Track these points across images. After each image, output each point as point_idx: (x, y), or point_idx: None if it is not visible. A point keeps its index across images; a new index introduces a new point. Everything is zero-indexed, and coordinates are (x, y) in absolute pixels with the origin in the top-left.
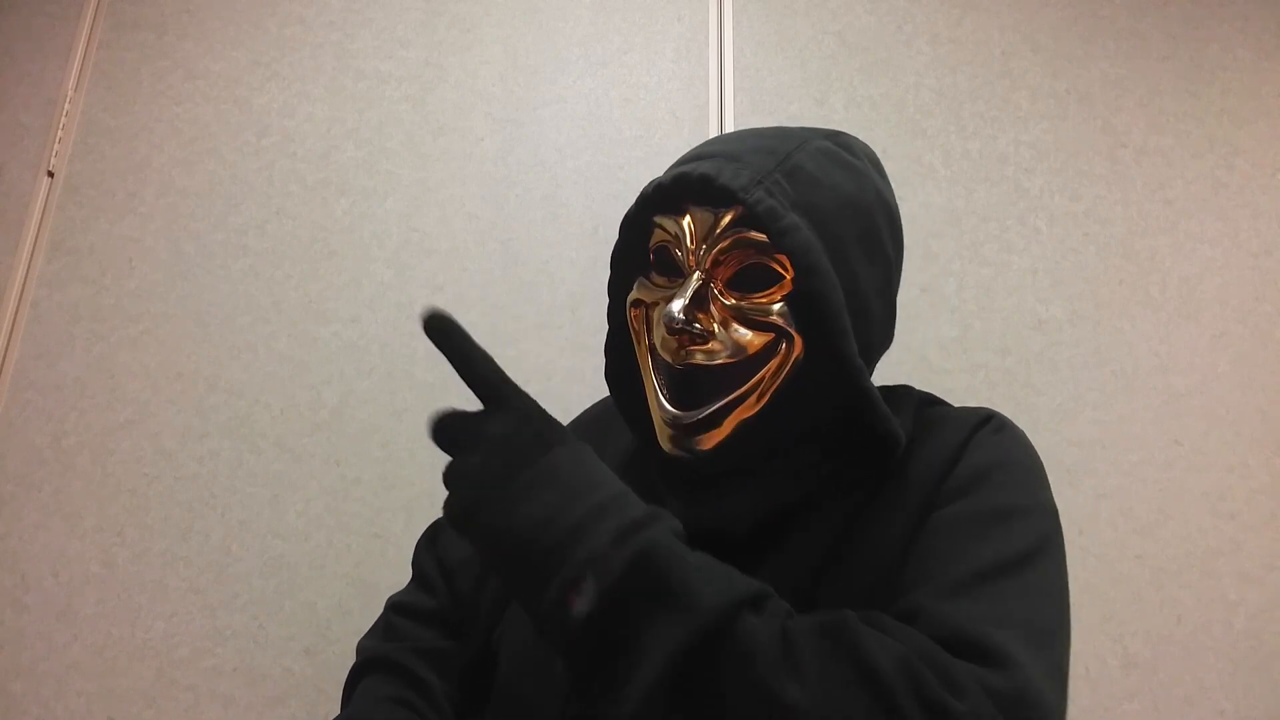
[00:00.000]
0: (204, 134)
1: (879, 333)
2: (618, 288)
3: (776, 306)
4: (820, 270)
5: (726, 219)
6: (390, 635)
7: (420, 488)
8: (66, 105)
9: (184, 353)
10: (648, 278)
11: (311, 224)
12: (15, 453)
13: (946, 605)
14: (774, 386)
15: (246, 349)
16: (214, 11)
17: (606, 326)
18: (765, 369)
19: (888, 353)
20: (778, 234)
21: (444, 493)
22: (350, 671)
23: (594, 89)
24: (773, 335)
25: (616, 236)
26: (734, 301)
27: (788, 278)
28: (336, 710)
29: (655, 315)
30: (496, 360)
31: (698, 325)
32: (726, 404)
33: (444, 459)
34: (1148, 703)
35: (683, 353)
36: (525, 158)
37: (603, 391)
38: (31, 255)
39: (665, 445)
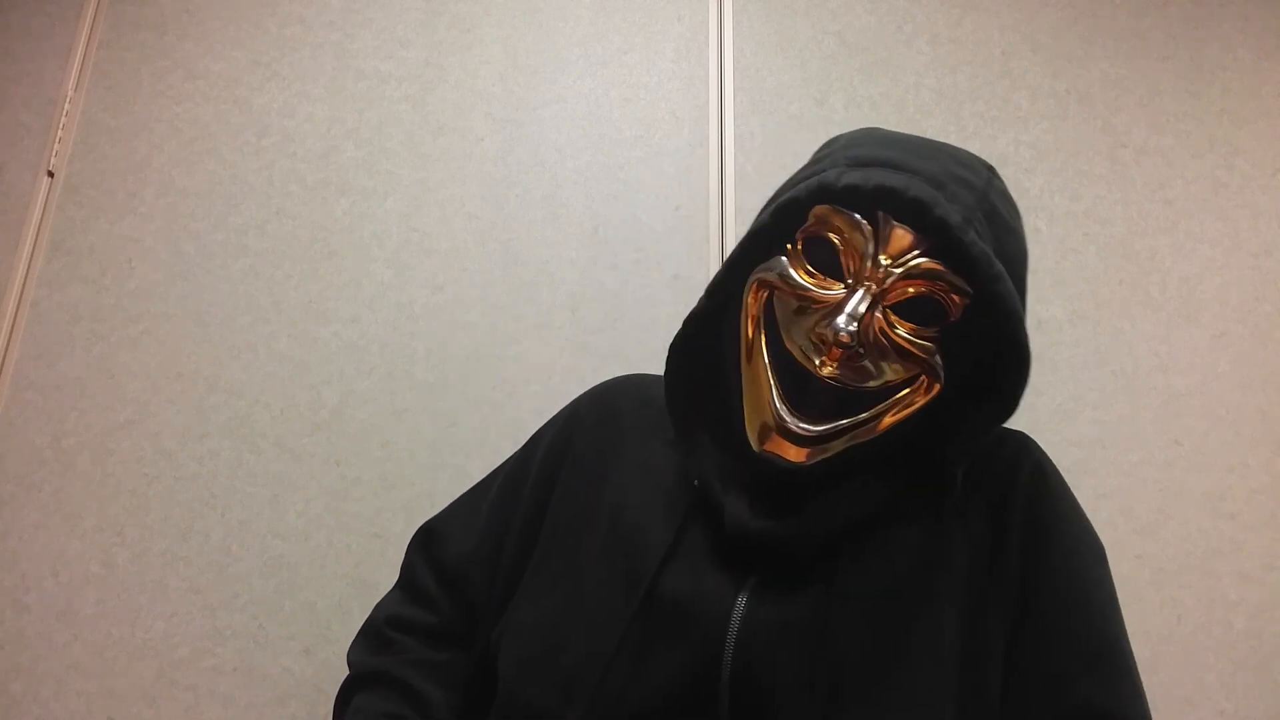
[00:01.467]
0: (204, 134)
1: None
2: (744, 261)
3: (930, 344)
4: (1020, 319)
5: (923, 245)
6: (384, 649)
7: (420, 488)
8: (66, 105)
9: (184, 353)
10: (791, 263)
11: (311, 224)
12: (15, 453)
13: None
14: (899, 417)
15: (246, 349)
16: (214, 11)
17: (606, 327)
18: (897, 399)
19: None
20: (989, 280)
21: (443, 492)
22: (341, 686)
23: (594, 89)
24: (918, 370)
25: (635, 228)
26: (898, 329)
27: (952, 317)
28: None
29: (787, 308)
30: (497, 360)
31: (861, 348)
32: (849, 425)
33: (443, 457)
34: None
35: (831, 366)
36: (525, 158)
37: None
38: (31, 255)
39: (759, 444)
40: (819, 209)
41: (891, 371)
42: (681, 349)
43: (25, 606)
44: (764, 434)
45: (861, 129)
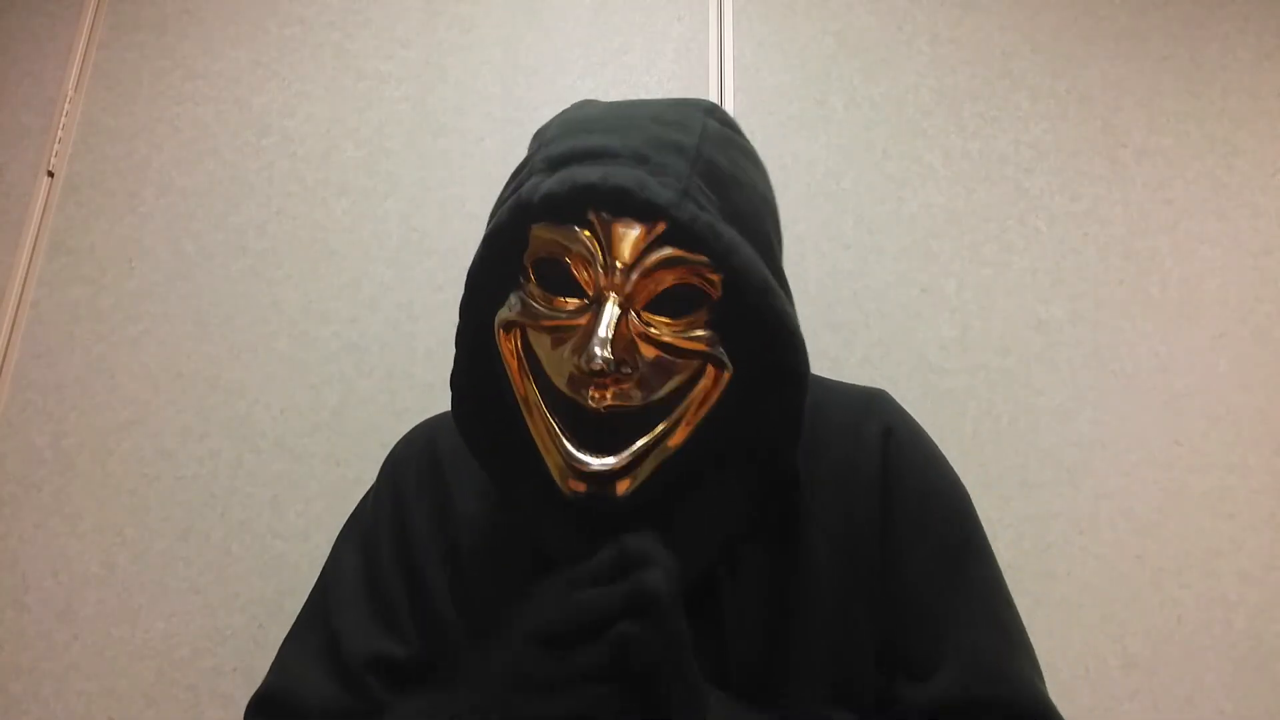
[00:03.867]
0: (204, 134)
1: None
2: (476, 306)
3: (702, 332)
4: (770, 288)
5: (652, 235)
6: (362, 696)
7: None
8: (66, 105)
9: (184, 353)
10: (527, 295)
11: (311, 224)
12: (15, 453)
13: (994, 687)
14: (699, 416)
15: (246, 349)
16: (214, 11)
17: None
18: (690, 398)
19: (887, 352)
20: (722, 254)
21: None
22: None
23: (594, 89)
24: (699, 361)
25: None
26: (660, 329)
27: (714, 296)
28: None
29: (543, 344)
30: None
31: (626, 368)
32: (648, 445)
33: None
34: (1148, 703)
35: (604, 395)
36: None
37: None
38: (31, 255)
39: (568, 489)
40: (535, 229)
41: (672, 375)
42: (468, 412)
43: (25, 606)
44: (565, 477)
45: (568, 109)
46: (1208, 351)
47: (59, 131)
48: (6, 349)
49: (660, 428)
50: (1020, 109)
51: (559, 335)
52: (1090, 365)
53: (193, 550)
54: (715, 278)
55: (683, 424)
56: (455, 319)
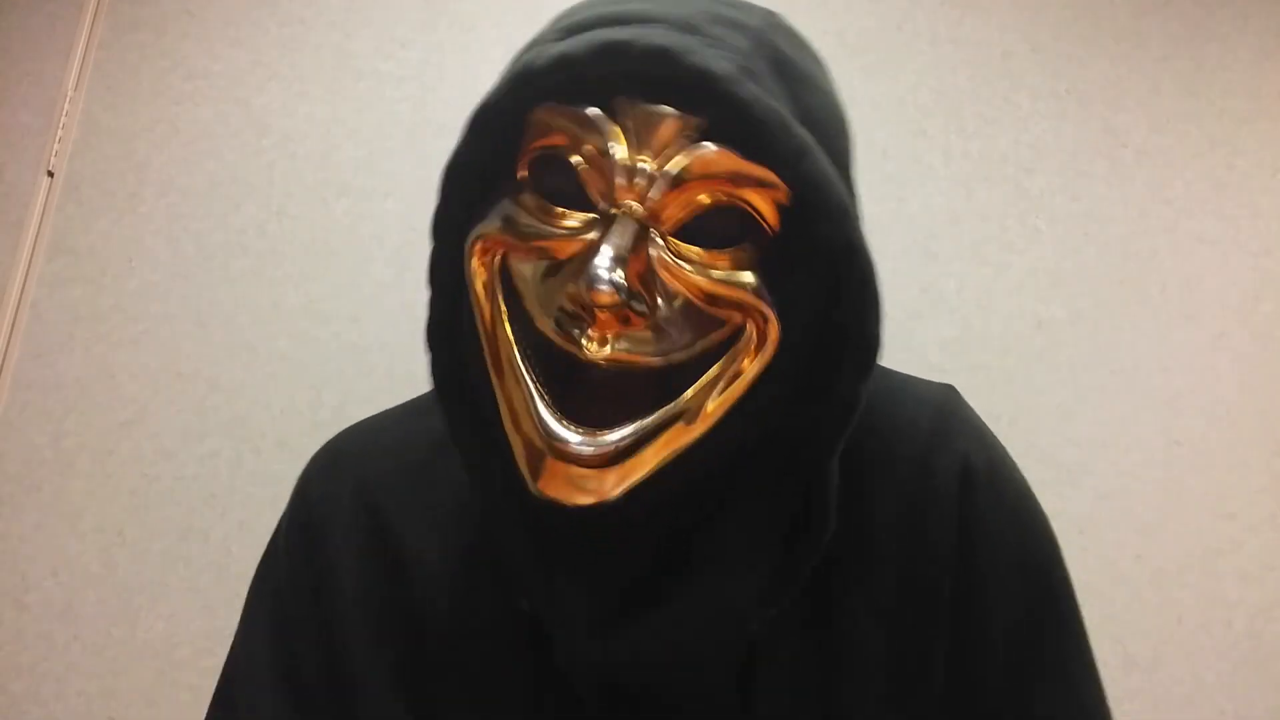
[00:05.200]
0: (204, 134)
1: None
2: (453, 218)
3: (748, 276)
4: (850, 216)
5: (694, 128)
6: None
7: None
8: (66, 105)
9: (184, 353)
10: (516, 205)
11: (311, 224)
12: (15, 453)
13: None
14: (734, 395)
15: (246, 349)
16: (214, 11)
17: None
18: (721, 370)
19: (887, 352)
20: (791, 157)
21: None
22: None
23: None
24: (740, 316)
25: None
26: (688, 264)
27: (770, 229)
28: None
29: (529, 272)
30: None
31: (640, 304)
32: (657, 424)
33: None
34: (1148, 703)
35: (604, 341)
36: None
37: None
38: (31, 255)
39: (536, 483)
40: (536, 114)
41: (702, 330)
42: (452, 378)
43: (25, 606)
44: (534, 463)
45: None
46: (1208, 351)
47: (59, 131)
48: (6, 349)
49: (674, 406)
50: (1020, 109)
51: (552, 261)
52: (1090, 365)
53: (193, 550)
54: (772, 199)
55: (708, 406)
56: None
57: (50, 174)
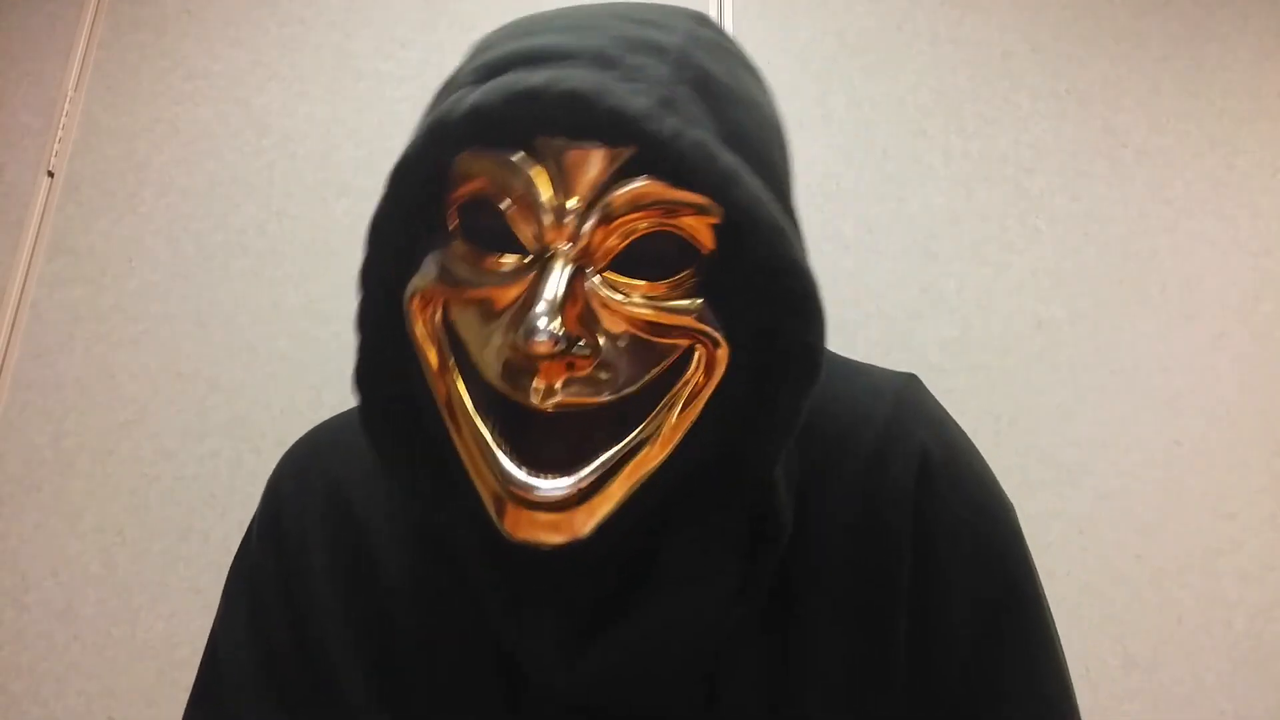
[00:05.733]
0: (204, 134)
1: None
2: (382, 273)
3: (688, 301)
4: (782, 233)
5: (618, 163)
6: None
7: None
8: (66, 105)
9: (184, 353)
10: (448, 254)
11: (311, 224)
12: (15, 453)
13: None
14: (688, 420)
15: (246, 349)
16: (214, 11)
17: None
18: (675, 394)
19: (887, 352)
20: (718, 184)
21: None
22: None
23: None
24: (686, 341)
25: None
26: (631, 297)
27: (705, 249)
28: None
29: (469, 321)
30: None
31: (582, 347)
32: (617, 456)
33: None
34: (1148, 703)
35: (551, 390)
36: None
37: None
38: (31, 255)
39: (510, 529)
40: (457, 160)
41: (651, 361)
42: (381, 421)
43: (25, 606)
44: (502, 510)
45: (512, 20)
46: (1208, 351)
47: (59, 131)
48: (6, 349)
49: (634, 435)
50: (1020, 109)
51: (489, 308)
52: (1090, 365)
53: (193, 550)
54: (706, 223)
55: (665, 430)
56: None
57: (50, 174)
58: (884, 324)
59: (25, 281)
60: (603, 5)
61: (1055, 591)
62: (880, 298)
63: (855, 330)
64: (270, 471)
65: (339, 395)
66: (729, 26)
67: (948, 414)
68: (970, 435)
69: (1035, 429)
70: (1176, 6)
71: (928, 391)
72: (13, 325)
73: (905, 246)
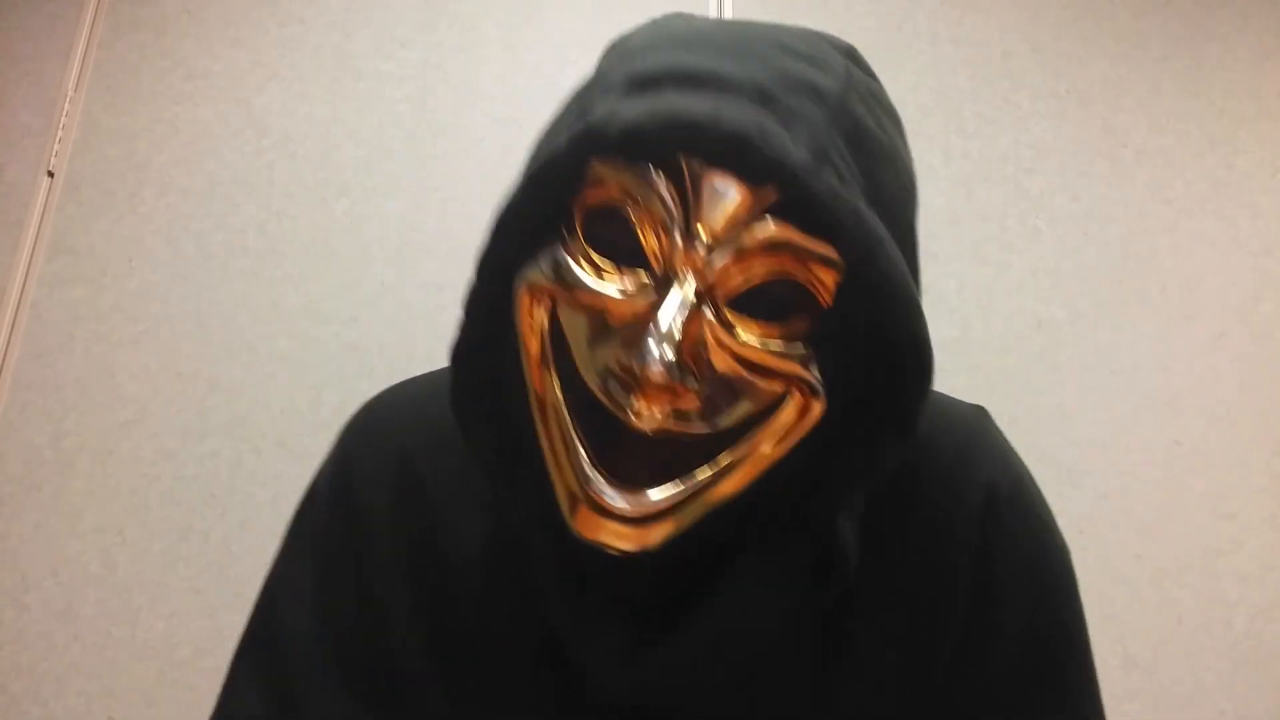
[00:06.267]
0: (204, 134)
1: None
2: (501, 264)
3: (797, 347)
4: (917, 309)
5: (759, 203)
6: None
7: None
8: (66, 105)
9: (184, 353)
10: (569, 254)
11: (311, 224)
12: (15, 453)
13: None
14: (771, 459)
15: (246, 349)
16: (214, 11)
17: None
18: (764, 432)
19: None
20: (863, 251)
21: None
22: None
23: None
24: (784, 386)
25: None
26: (744, 334)
27: (824, 302)
28: None
29: (579, 325)
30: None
31: (691, 380)
32: (696, 490)
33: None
34: (1148, 703)
35: (654, 413)
36: (525, 158)
37: None
38: (31, 255)
39: (575, 525)
40: (595, 165)
41: (748, 399)
42: (471, 403)
43: (25, 606)
44: (575, 511)
45: (650, 23)
46: (1208, 351)
47: (59, 131)
48: (6, 349)
49: (718, 466)
50: (1020, 109)
51: (603, 318)
52: (1090, 365)
53: (193, 550)
54: (833, 278)
55: (748, 464)
56: (455, 319)
57: (50, 174)
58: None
59: (25, 281)
60: (758, 27)
61: None
62: None
63: None
64: (269, 471)
65: (339, 395)
66: None
67: (1013, 449)
68: None
69: (1035, 429)
70: (1176, 6)
71: (996, 426)
72: (13, 325)
73: None
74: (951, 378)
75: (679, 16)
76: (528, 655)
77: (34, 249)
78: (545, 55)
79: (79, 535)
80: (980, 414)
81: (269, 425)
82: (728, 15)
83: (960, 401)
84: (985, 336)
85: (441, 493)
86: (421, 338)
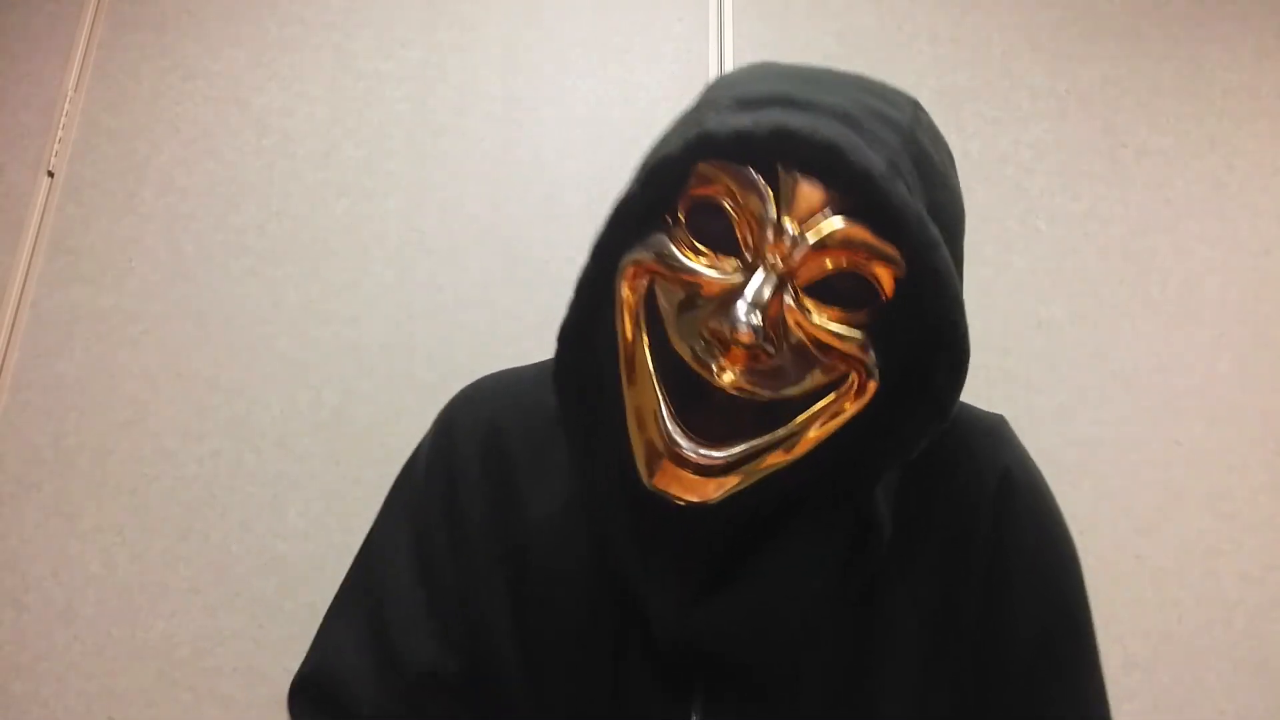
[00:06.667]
0: (204, 134)
1: None
2: (611, 250)
3: (859, 333)
4: (960, 303)
5: (838, 205)
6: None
7: None
8: (66, 105)
9: (184, 353)
10: (673, 239)
11: (311, 224)
12: (15, 453)
13: None
14: (827, 431)
15: (246, 349)
16: (214, 11)
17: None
18: (823, 407)
19: None
20: (923, 248)
21: None
22: None
23: (594, 89)
24: (846, 368)
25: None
26: (815, 316)
27: (885, 295)
28: None
29: (673, 299)
30: (497, 360)
31: (770, 346)
32: (764, 446)
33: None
34: (1148, 703)
35: (735, 373)
36: (525, 158)
37: None
38: (31, 255)
39: (649, 476)
40: (701, 167)
41: (813, 373)
42: (570, 371)
43: (25, 606)
44: (652, 462)
45: (750, 64)
46: (1208, 351)
47: (59, 131)
48: (6, 349)
49: (781, 431)
50: (1020, 109)
51: (695, 294)
52: (1090, 365)
53: (193, 550)
54: (889, 273)
55: (808, 434)
56: (455, 319)
57: (50, 174)
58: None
59: (25, 281)
60: (836, 71)
61: None
62: None
63: None
64: (269, 471)
65: (339, 395)
66: (729, 26)
67: (1032, 460)
68: None
69: (1035, 429)
70: (1176, 6)
71: (1014, 432)
72: (13, 325)
73: None
74: None
75: (771, 63)
76: (596, 601)
77: (34, 249)
78: (545, 55)
79: (79, 535)
80: (1002, 420)
81: (269, 425)
82: (728, 20)
83: (982, 409)
84: (985, 336)
85: (525, 459)
86: (421, 338)
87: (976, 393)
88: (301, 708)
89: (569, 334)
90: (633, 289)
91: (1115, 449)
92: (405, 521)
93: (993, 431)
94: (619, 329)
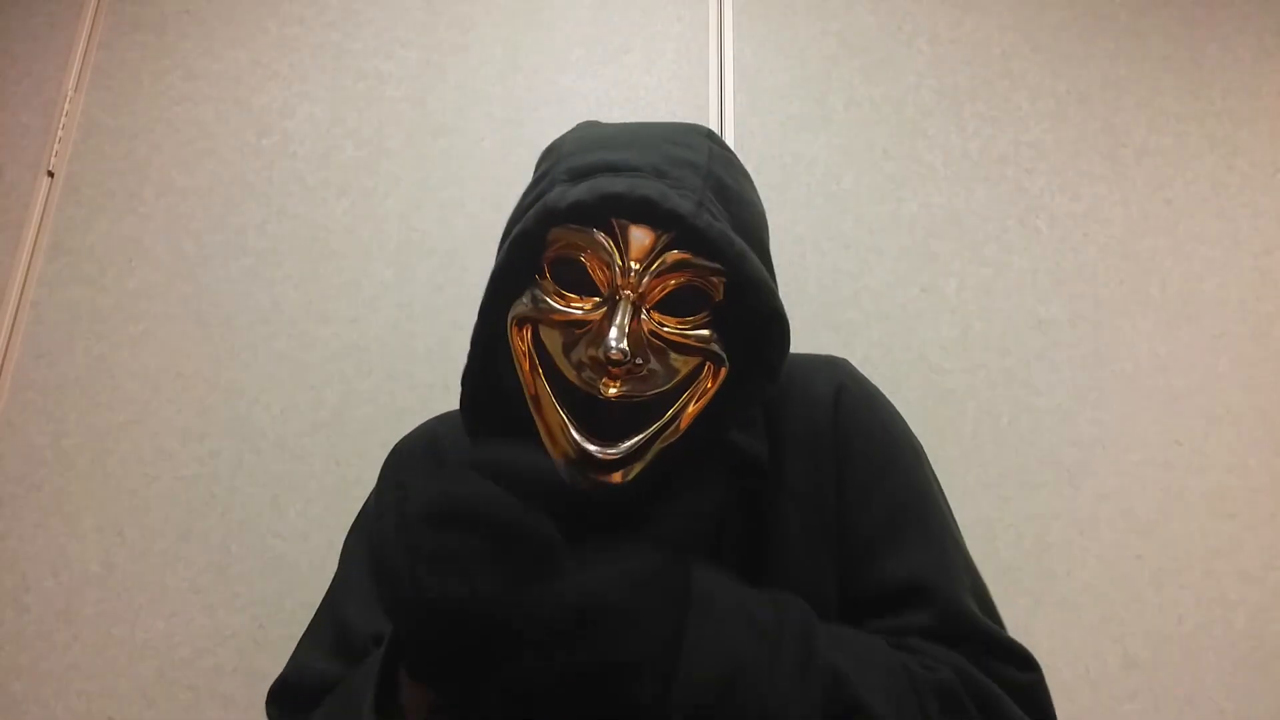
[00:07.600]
0: (204, 134)
1: None
2: (496, 309)
3: (704, 331)
4: (773, 291)
5: (664, 239)
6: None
7: None
8: (66, 105)
9: (184, 353)
10: (542, 292)
11: (311, 224)
12: (15, 453)
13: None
14: (698, 410)
15: (246, 349)
16: (214, 11)
17: None
18: (690, 392)
19: (887, 352)
20: (735, 260)
21: None
22: None
23: (594, 89)
24: (699, 359)
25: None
26: (666, 327)
27: (716, 298)
28: None
29: (555, 339)
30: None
31: (639, 359)
32: (654, 433)
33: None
34: (1148, 703)
35: (617, 387)
36: (525, 158)
37: None
38: (31, 255)
39: (570, 479)
40: (553, 232)
41: (677, 370)
42: (476, 407)
43: (25, 606)
44: (569, 467)
45: (576, 129)
46: (1208, 351)
47: (59, 131)
48: (6, 349)
49: (662, 419)
50: (1020, 109)
51: (572, 331)
52: (1090, 365)
53: (193, 550)
54: (718, 281)
55: (683, 416)
56: (455, 319)
57: (50, 174)
58: (884, 324)
59: (25, 281)
60: (647, 126)
61: (1055, 591)
62: (880, 298)
63: (855, 330)
64: (269, 471)
65: (339, 395)
66: (729, 27)
67: (863, 375)
68: (970, 435)
69: (1035, 429)
70: (1176, 6)
71: (853, 366)
72: (13, 325)
73: (905, 246)
74: (952, 378)
75: (592, 124)
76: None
77: (34, 249)
78: (545, 55)
79: (79, 535)
80: (838, 358)
81: (269, 425)
82: (728, 20)
83: (826, 355)
84: (985, 336)
85: (460, 453)
86: (421, 338)
87: (977, 392)
88: (280, 708)
89: (469, 377)
90: (521, 338)
91: (1115, 449)
92: (359, 548)
93: (829, 364)
94: (519, 372)
